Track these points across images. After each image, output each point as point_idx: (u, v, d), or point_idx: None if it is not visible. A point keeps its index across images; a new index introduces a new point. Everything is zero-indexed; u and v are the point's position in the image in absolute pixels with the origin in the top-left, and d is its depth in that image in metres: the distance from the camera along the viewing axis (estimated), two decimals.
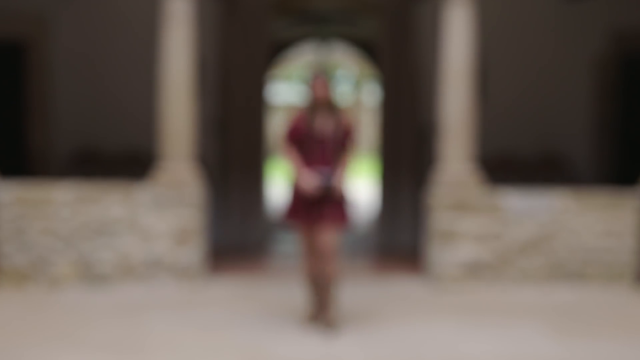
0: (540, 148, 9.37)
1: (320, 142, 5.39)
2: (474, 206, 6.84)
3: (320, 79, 5.40)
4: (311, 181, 5.29)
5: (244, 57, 9.18)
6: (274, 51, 10.81)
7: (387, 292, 6.72)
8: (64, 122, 9.25)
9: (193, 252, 6.75)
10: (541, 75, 9.32)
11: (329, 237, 5.35)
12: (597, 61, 9.33)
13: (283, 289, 6.68)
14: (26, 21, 9.11)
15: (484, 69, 7.98)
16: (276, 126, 12.00)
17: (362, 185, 16.36)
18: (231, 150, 9.25)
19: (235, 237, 9.17)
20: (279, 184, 10.89)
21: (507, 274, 6.86)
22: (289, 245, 9.05)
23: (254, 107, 9.28)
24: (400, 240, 9.19)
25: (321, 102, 5.41)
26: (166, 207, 6.71)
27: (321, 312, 5.47)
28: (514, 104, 9.35)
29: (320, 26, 10.75)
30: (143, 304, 6.10)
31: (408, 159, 9.23)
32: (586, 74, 9.34)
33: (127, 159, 9.35)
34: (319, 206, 5.33)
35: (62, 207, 6.68)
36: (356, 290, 6.51)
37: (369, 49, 11.92)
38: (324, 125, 5.41)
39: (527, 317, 5.90)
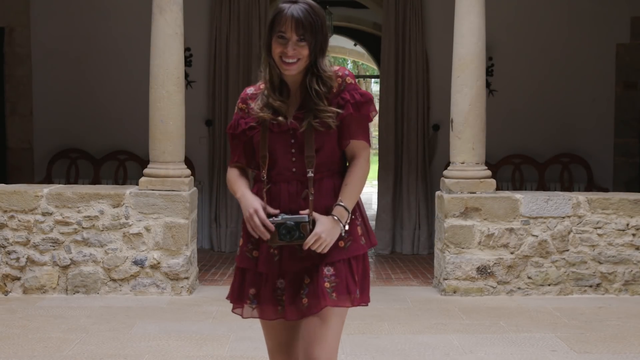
0: (558, 145, 8.98)
1: (292, 143, 2.68)
2: (487, 209, 6.38)
3: (294, 17, 2.57)
4: (260, 229, 2.64)
5: (240, 48, 8.65)
6: None
7: (394, 299, 6.33)
8: (47, 119, 8.83)
9: (183, 259, 6.26)
10: (559, 68, 9.01)
11: (319, 343, 2.65)
12: (617, 51, 9.05)
13: None
14: (7, 8, 8.63)
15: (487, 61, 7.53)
16: None
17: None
18: (228, 151, 8.70)
19: (231, 244, 8.65)
20: None
21: (522, 280, 6.45)
22: None
23: None
24: (404, 245, 8.77)
25: (294, 66, 2.62)
26: (155, 212, 6.24)
27: None
28: (529, 98, 8.93)
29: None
30: (130, 313, 5.80)
31: (415, 159, 8.69)
32: (607, 65, 8.93)
33: (114, 160, 8.90)
34: (293, 280, 2.72)
35: (46, 211, 6.24)
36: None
37: (371, 43, 11.66)
38: (302, 112, 2.67)
39: (542, 325, 5.54)
